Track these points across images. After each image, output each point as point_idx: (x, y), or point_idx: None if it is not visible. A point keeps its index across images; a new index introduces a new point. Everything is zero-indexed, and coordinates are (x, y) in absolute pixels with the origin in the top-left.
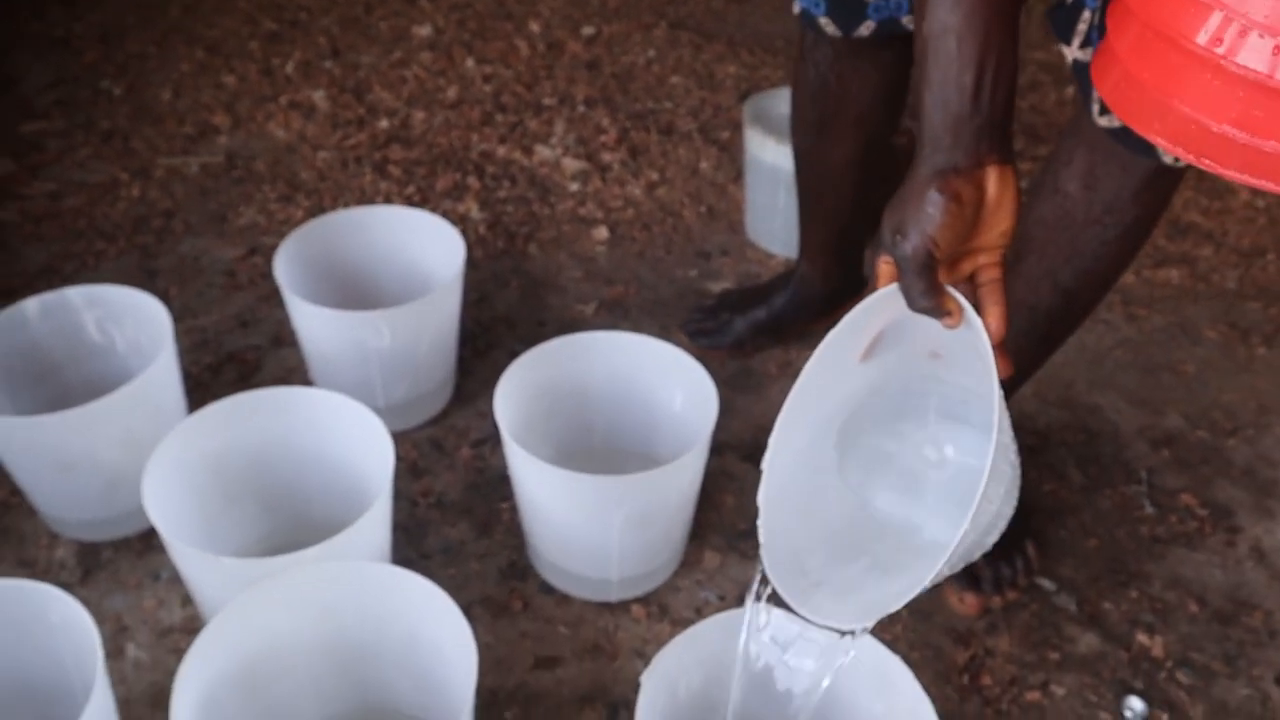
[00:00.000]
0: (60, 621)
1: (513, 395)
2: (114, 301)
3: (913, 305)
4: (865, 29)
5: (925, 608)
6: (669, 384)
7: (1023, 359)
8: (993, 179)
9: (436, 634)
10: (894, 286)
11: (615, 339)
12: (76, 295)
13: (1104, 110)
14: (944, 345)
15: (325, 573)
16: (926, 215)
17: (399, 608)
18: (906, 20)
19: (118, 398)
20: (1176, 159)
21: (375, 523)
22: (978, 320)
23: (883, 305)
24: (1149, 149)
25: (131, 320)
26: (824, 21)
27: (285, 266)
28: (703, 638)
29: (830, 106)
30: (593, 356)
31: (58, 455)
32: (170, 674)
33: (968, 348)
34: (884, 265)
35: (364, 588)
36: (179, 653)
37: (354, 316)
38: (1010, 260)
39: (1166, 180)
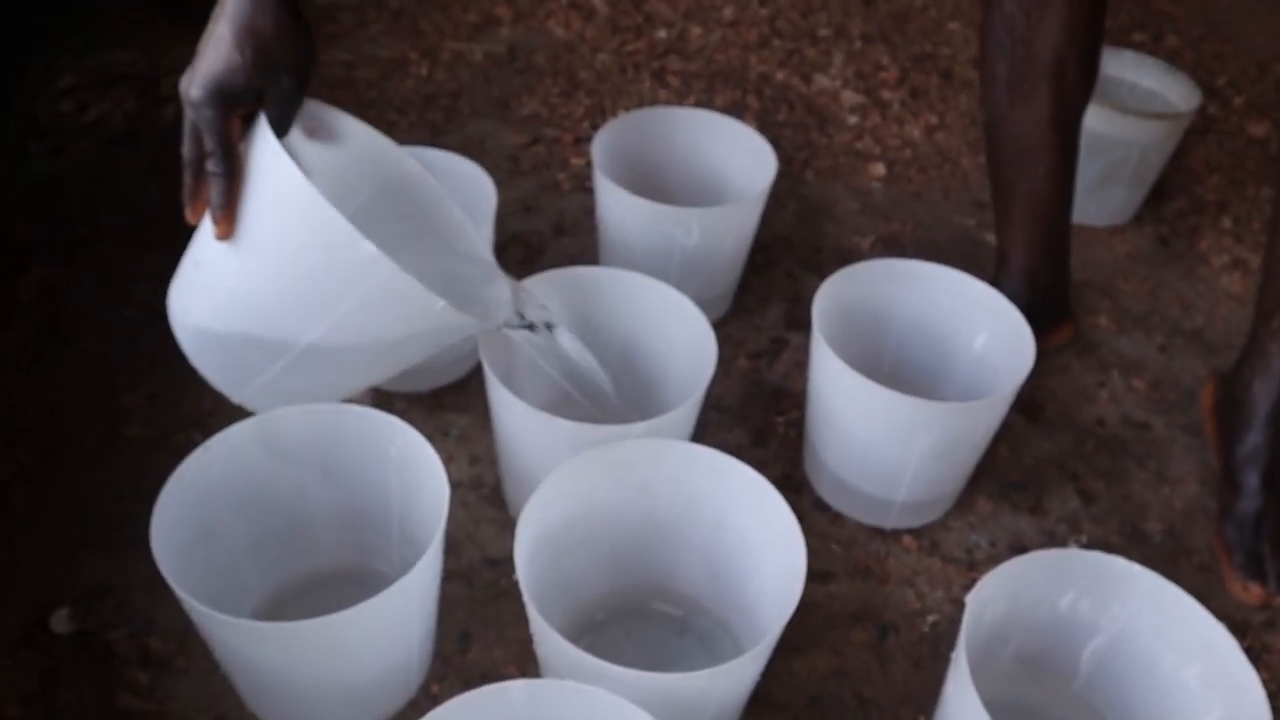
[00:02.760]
0: (398, 455)
1: (826, 310)
2: (434, 166)
3: None
4: None
5: (1204, 590)
6: (973, 324)
7: None
8: None
9: (748, 526)
10: None
11: (921, 270)
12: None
13: None
14: None
15: (644, 449)
16: None
17: (713, 491)
18: None
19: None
20: None
21: (693, 408)
22: None
23: None
24: None
25: (448, 187)
26: None
27: (600, 153)
28: (1015, 575)
29: (1021, 52)
30: (898, 283)
31: None
32: (457, 524)
33: None
34: None
35: (683, 468)
36: (466, 506)
37: (669, 210)
38: None
39: None
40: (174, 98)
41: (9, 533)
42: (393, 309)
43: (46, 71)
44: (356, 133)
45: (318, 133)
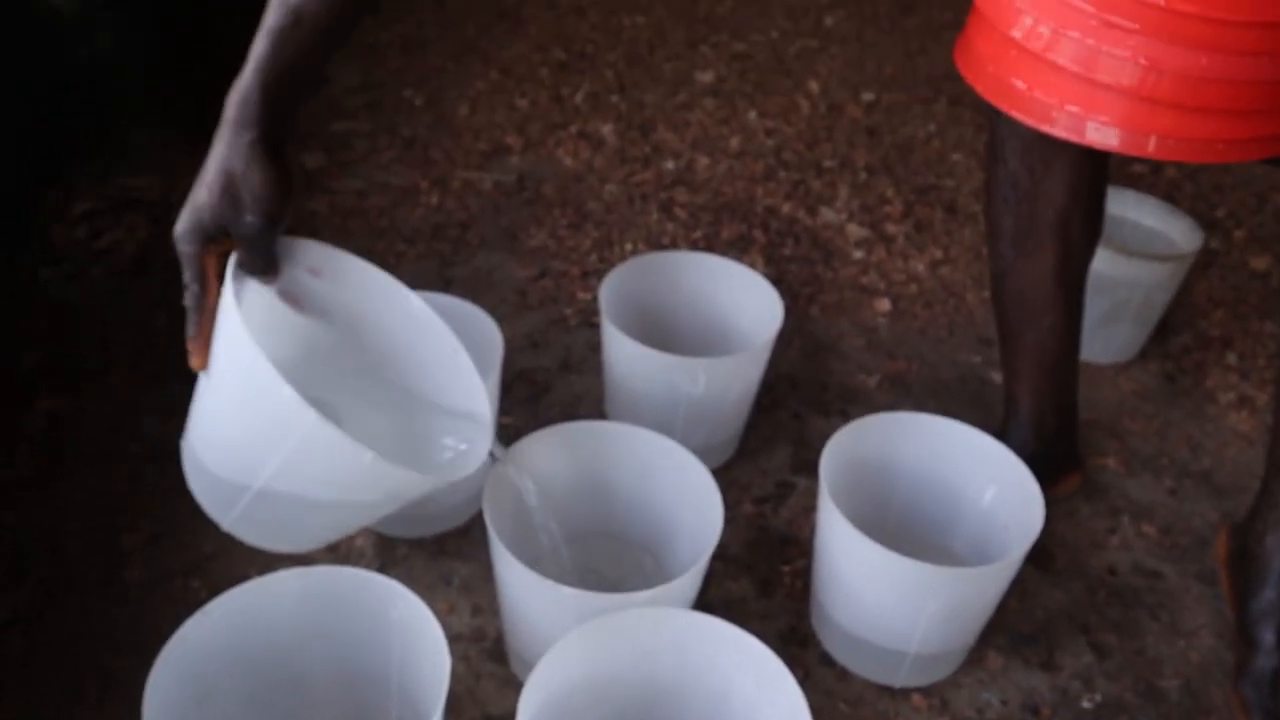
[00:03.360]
0: (399, 619)
1: (834, 464)
2: (443, 311)
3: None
4: None
5: None
6: (981, 477)
7: None
8: None
9: (753, 692)
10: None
11: (929, 423)
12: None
13: None
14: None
15: (648, 619)
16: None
17: (715, 659)
18: None
19: None
20: None
21: (697, 574)
22: None
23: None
24: None
25: (456, 332)
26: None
27: (608, 298)
28: None
29: (1025, 209)
30: (906, 437)
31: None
32: (457, 679)
33: None
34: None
35: (686, 636)
36: (467, 660)
37: (675, 360)
38: None
39: None
40: None
41: (2, 679)
42: (324, 458)
43: (66, 197)
44: (365, 274)
45: (324, 273)
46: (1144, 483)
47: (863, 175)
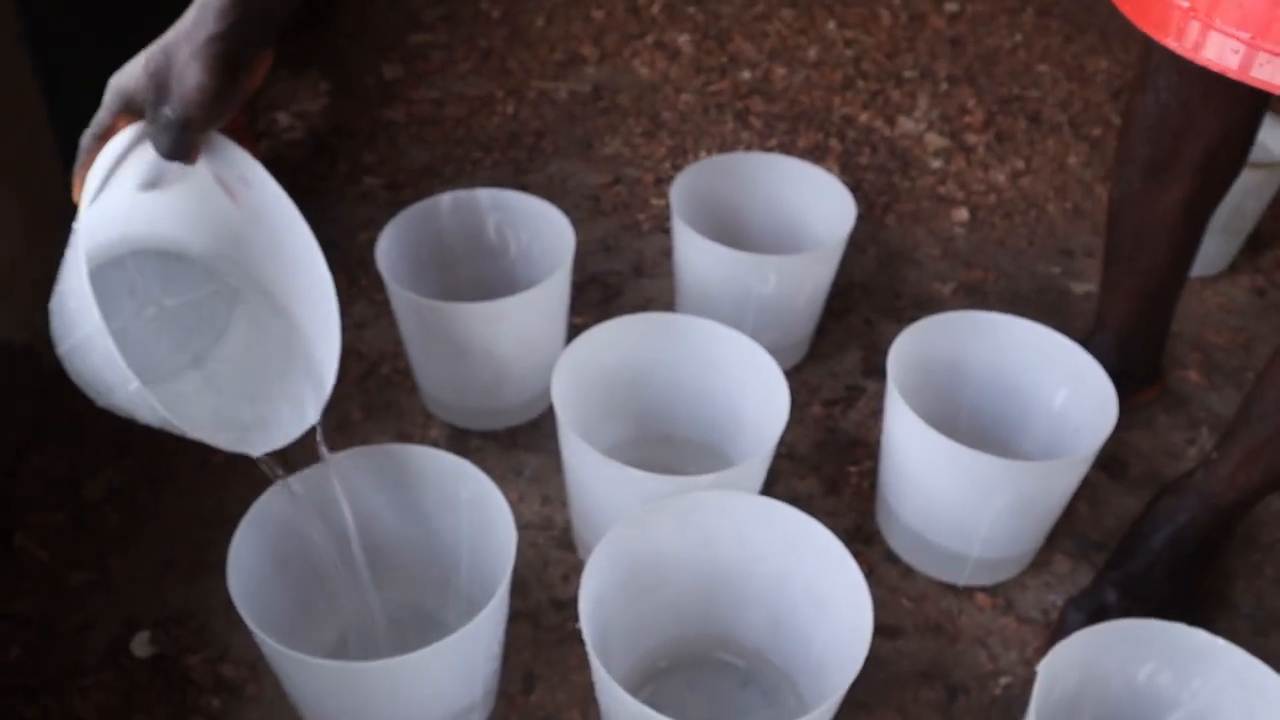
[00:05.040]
0: (468, 497)
1: (902, 361)
2: (517, 208)
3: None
4: None
5: None
6: (1054, 379)
7: (1261, 454)
8: None
9: (814, 579)
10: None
11: (1001, 322)
12: (484, 196)
13: None
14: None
15: (713, 500)
16: None
17: (779, 544)
18: None
19: (525, 298)
20: None
21: (764, 460)
22: None
23: None
24: None
25: (529, 228)
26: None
27: (679, 198)
28: (1091, 644)
29: (1169, 143)
30: (977, 336)
31: (459, 341)
32: (526, 564)
33: None
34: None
35: (750, 520)
36: (536, 546)
37: (745, 257)
38: None
39: None
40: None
41: (103, 553)
42: (104, 362)
43: None
44: (279, 200)
45: (253, 185)
46: (1226, 396)
47: (944, 85)
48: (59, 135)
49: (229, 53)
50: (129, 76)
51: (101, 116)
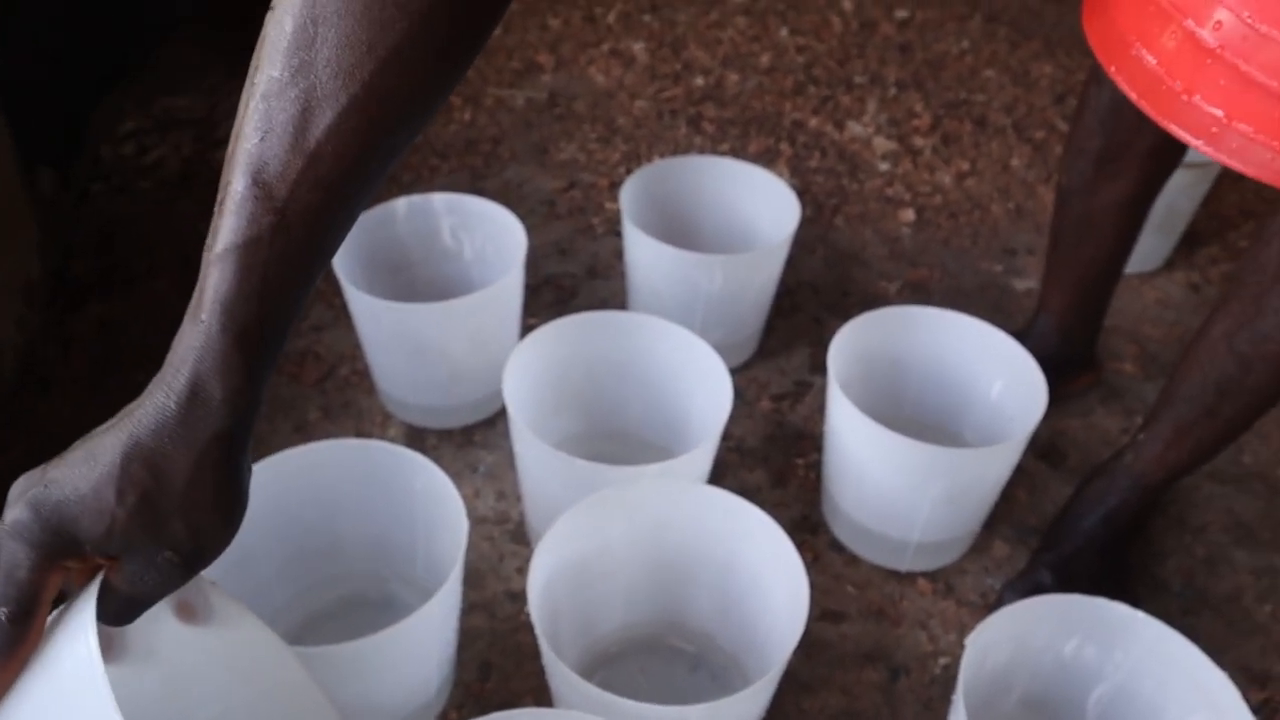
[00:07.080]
0: (422, 489)
1: (844, 355)
2: (471, 212)
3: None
4: None
5: (1224, 642)
6: (990, 371)
7: (1189, 432)
8: None
9: (759, 565)
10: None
11: (940, 317)
12: (439, 201)
13: None
14: None
15: (660, 489)
16: None
17: (725, 530)
18: None
19: (478, 298)
20: None
21: (707, 451)
22: None
23: None
24: None
25: (483, 232)
26: None
27: (629, 200)
28: (1020, 618)
29: (1121, 135)
30: (916, 330)
31: (416, 341)
32: (481, 558)
33: None
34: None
35: (696, 507)
36: (491, 540)
37: (693, 257)
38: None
39: None
40: (226, 142)
41: None
42: None
43: (113, 116)
44: (241, 625)
45: (195, 616)
46: (1159, 387)
47: (892, 90)
48: None
49: (244, 461)
50: (84, 513)
51: (21, 576)
